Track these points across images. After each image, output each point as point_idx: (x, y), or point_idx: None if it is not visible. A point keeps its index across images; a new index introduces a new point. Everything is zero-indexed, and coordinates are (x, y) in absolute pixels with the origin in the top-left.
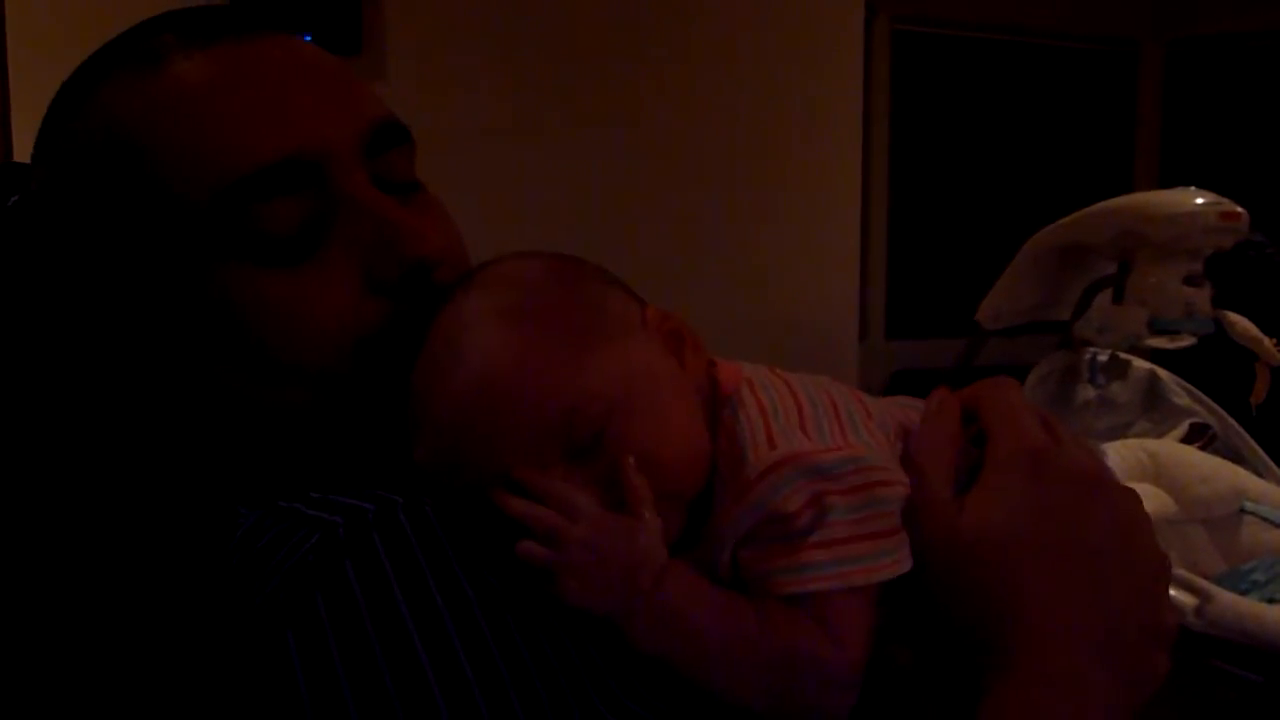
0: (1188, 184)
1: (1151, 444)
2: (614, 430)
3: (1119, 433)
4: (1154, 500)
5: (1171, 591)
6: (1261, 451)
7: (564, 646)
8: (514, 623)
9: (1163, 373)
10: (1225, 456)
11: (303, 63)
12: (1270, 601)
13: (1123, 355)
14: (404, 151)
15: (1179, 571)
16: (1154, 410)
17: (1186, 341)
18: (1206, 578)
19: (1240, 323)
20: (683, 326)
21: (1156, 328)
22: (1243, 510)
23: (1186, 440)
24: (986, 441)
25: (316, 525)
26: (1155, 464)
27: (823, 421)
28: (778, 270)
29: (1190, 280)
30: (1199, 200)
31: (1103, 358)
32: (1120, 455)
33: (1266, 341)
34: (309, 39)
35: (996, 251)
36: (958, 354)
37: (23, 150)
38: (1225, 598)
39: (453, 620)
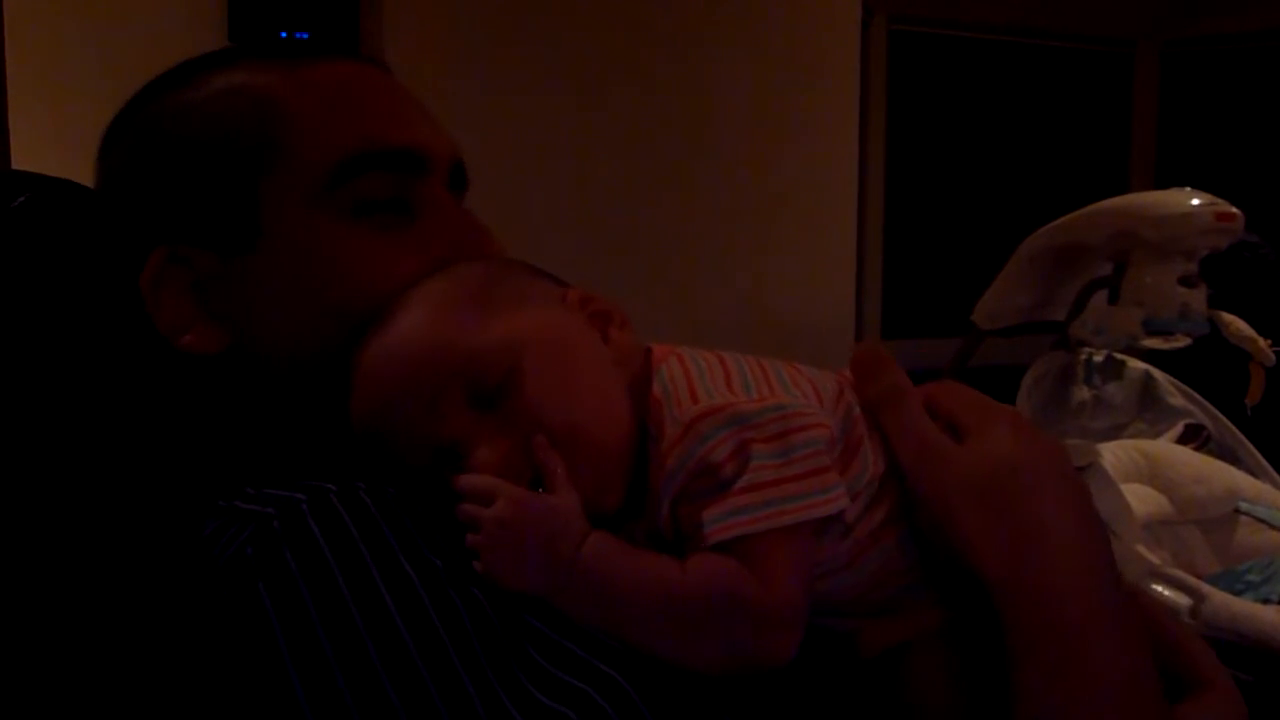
0: (1183, 184)
1: (1146, 444)
2: (517, 383)
3: (1114, 433)
4: (1149, 501)
5: (1166, 591)
6: (1256, 452)
7: (507, 620)
8: (458, 599)
9: (1157, 373)
10: (1220, 457)
11: (407, 89)
12: (1265, 602)
13: (1118, 356)
14: (463, 194)
15: (1174, 571)
16: (1149, 411)
17: (1182, 342)
18: (1201, 578)
19: (1235, 323)
20: (609, 306)
21: (1152, 328)
22: (1237, 511)
23: (1181, 441)
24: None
25: (249, 518)
26: (1150, 465)
27: (748, 380)
28: (774, 271)
29: (1186, 281)
30: (1195, 201)
31: (1098, 358)
32: (1115, 456)
33: (1261, 342)
34: (306, 37)
35: (992, 252)
36: (953, 354)
37: (20, 160)
38: (1219, 598)
39: (395, 603)
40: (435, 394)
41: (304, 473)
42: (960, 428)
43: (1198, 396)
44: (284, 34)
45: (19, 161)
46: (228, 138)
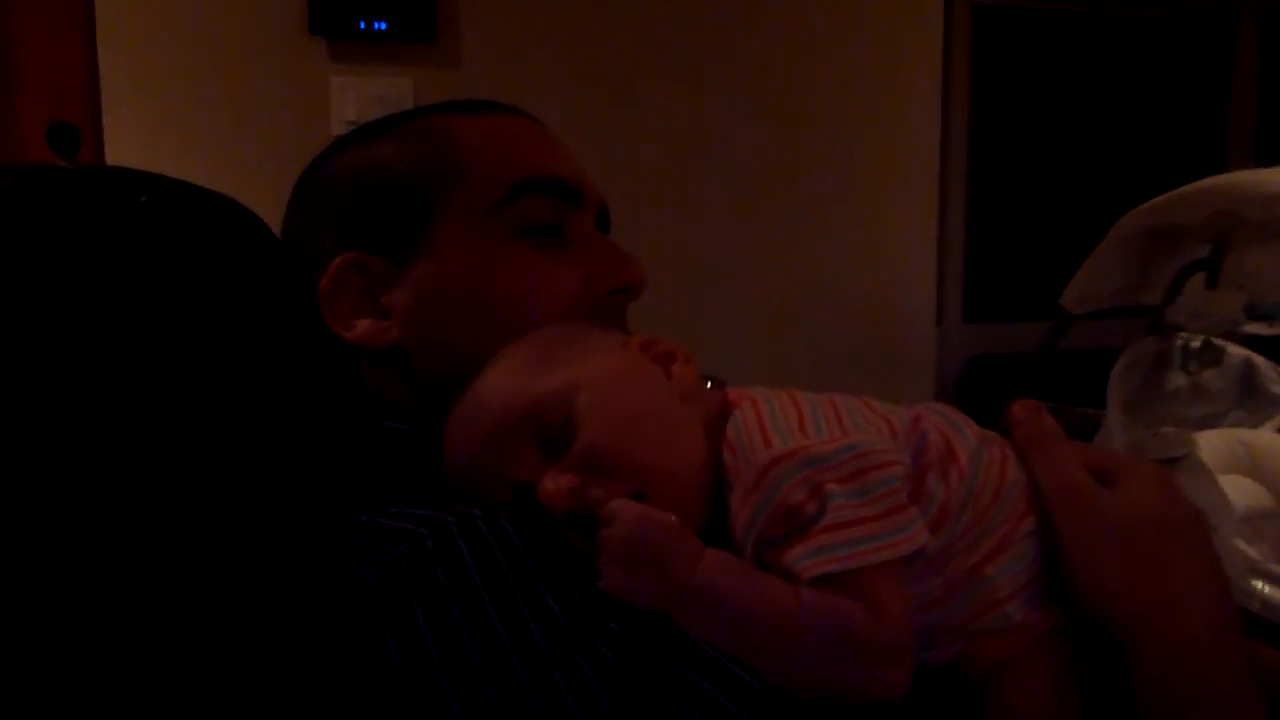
0: None
1: (1247, 434)
2: (577, 422)
3: (1212, 422)
4: (1249, 493)
5: (1265, 588)
6: None
7: (644, 652)
8: (592, 626)
9: (1259, 360)
10: None
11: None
12: None
13: (1216, 341)
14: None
15: (1275, 567)
16: (1250, 399)
17: None
18: None
19: None
20: (672, 347)
21: (1254, 313)
22: None
23: None
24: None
25: (403, 536)
26: (1251, 455)
27: (820, 421)
28: (854, 253)
29: None
30: None
31: (1195, 344)
32: (1213, 445)
33: None
34: (384, 27)
35: (1080, 233)
36: (1040, 339)
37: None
38: None
39: (539, 627)
40: (507, 446)
41: (440, 493)
42: (1109, 476)
43: None
44: (362, 24)
45: (112, 157)
46: (417, 161)
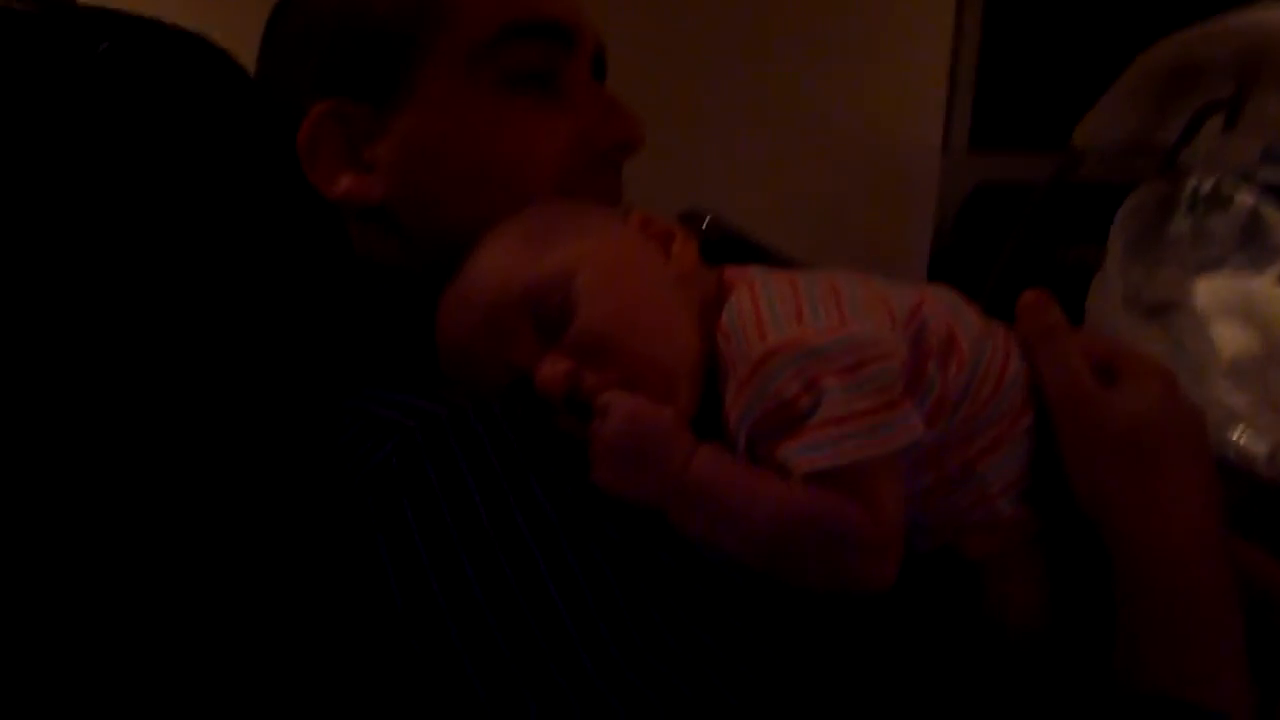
0: None
1: (1247, 282)
2: (573, 305)
3: (1212, 267)
4: (1239, 340)
5: (1243, 440)
6: None
7: (638, 555)
8: (586, 525)
9: (1267, 208)
10: None
11: None
12: None
13: (1227, 186)
14: (602, 82)
15: (1255, 418)
16: (1251, 247)
17: None
18: None
19: None
20: (671, 226)
21: (1271, 158)
22: None
23: None
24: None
25: (392, 428)
26: (1247, 302)
27: (818, 306)
28: (859, 74)
29: None
30: None
31: (1205, 188)
32: (1211, 291)
33: None
34: None
35: (1102, 63)
36: (1051, 171)
37: None
38: None
39: (530, 529)
40: (504, 329)
41: (429, 367)
42: (1114, 371)
43: None
44: None
45: None
46: (396, 3)
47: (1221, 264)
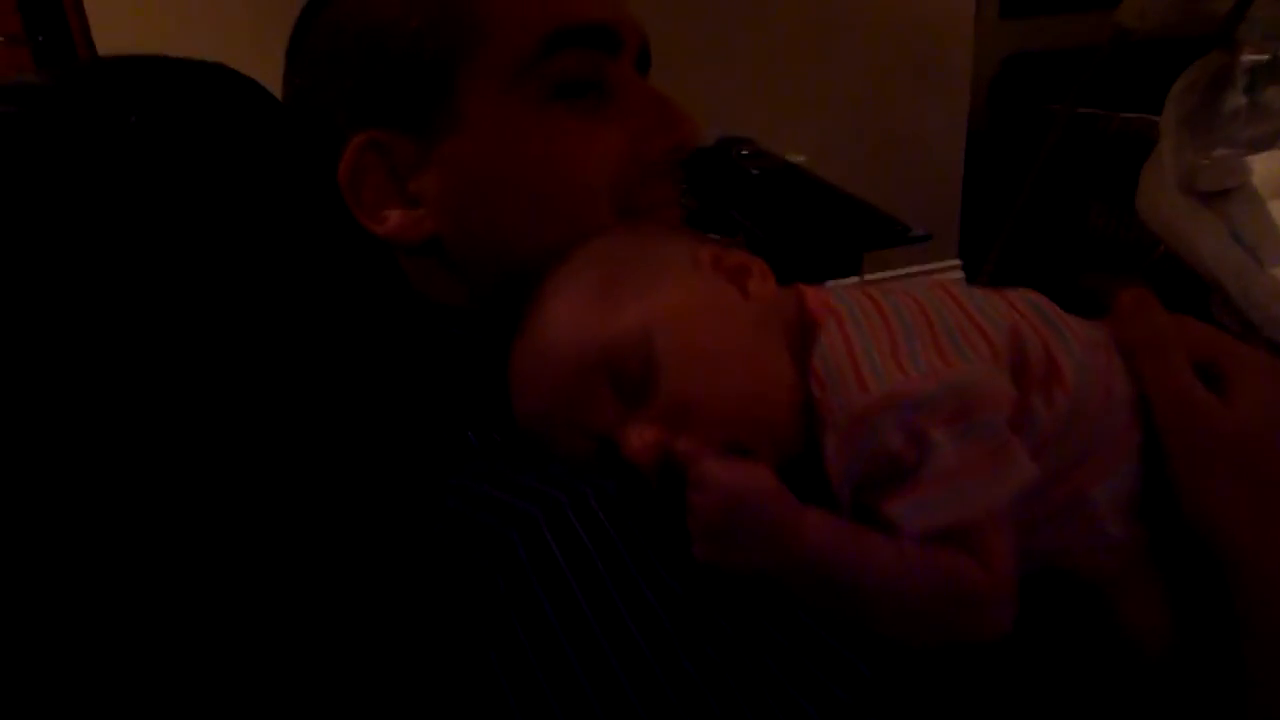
0: None
1: None
2: (657, 370)
3: (1267, 142)
4: None
5: None
6: None
7: (749, 640)
8: (698, 624)
9: None
10: None
11: None
12: None
13: None
14: (646, 74)
15: None
16: None
17: None
18: None
19: None
20: (746, 259)
21: None
22: None
23: None
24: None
25: (513, 517)
26: None
27: (915, 345)
28: None
29: None
30: None
31: (1262, 58)
32: (1267, 167)
33: None
34: None
35: None
36: (1086, 38)
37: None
38: None
39: (639, 629)
40: (582, 395)
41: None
42: (1220, 374)
43: None
44: None
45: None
46: (429, 20)
47: (1277, 138)
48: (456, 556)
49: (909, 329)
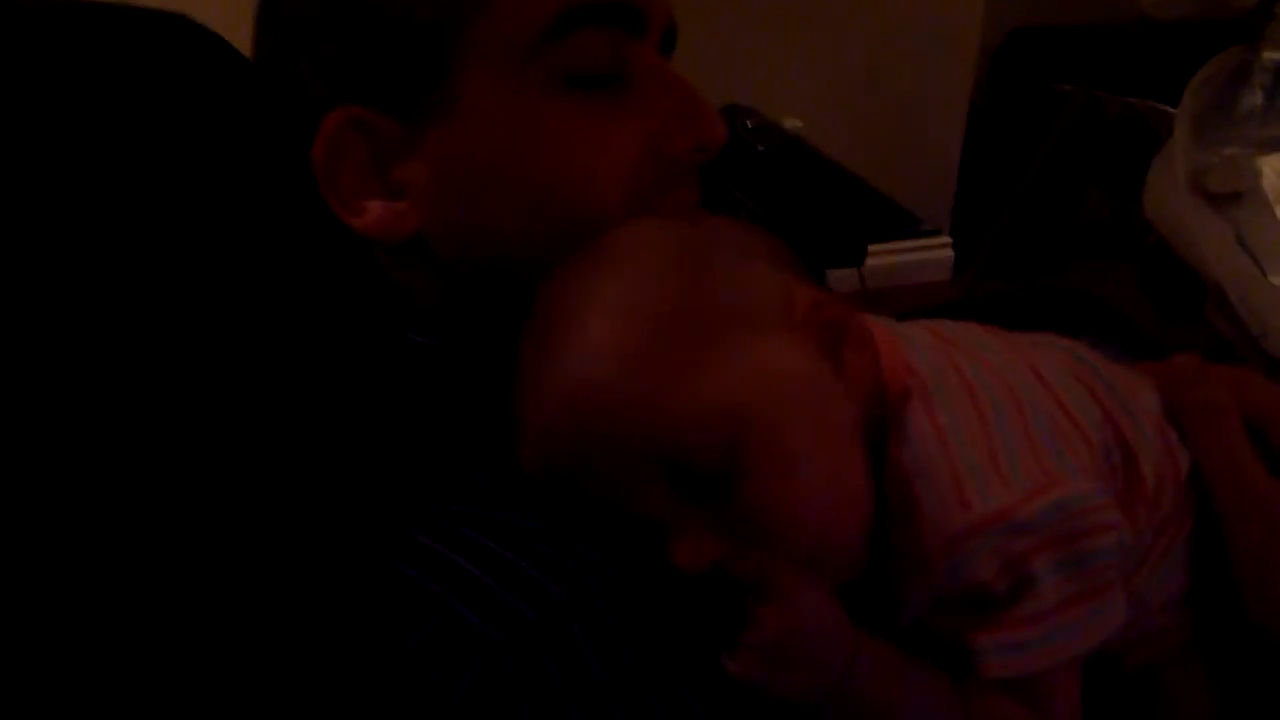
0: None
1: None
2: (738, 475)
3: (1278, 144)
4: None
5: None
6: None
7: None
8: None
9: None
10: None
11: None
12: None
13: None
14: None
15: None
16: None
17: None
18: None
19: None
20: (845, 314)
21: None
22: None
23: None
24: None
25: (473, 643)
26: None
27: (1011, 443)
28: None
29: None
30: None
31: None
32: (1277, 172)
33: None
34: None
35: None
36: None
37: None
38: None
39: None
40: (630, 472)
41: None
42: (1275, 443)
43: None
44: None
45: None
46: (419, 18)
47: None
48: (414, 655)
49: (1003, 421)
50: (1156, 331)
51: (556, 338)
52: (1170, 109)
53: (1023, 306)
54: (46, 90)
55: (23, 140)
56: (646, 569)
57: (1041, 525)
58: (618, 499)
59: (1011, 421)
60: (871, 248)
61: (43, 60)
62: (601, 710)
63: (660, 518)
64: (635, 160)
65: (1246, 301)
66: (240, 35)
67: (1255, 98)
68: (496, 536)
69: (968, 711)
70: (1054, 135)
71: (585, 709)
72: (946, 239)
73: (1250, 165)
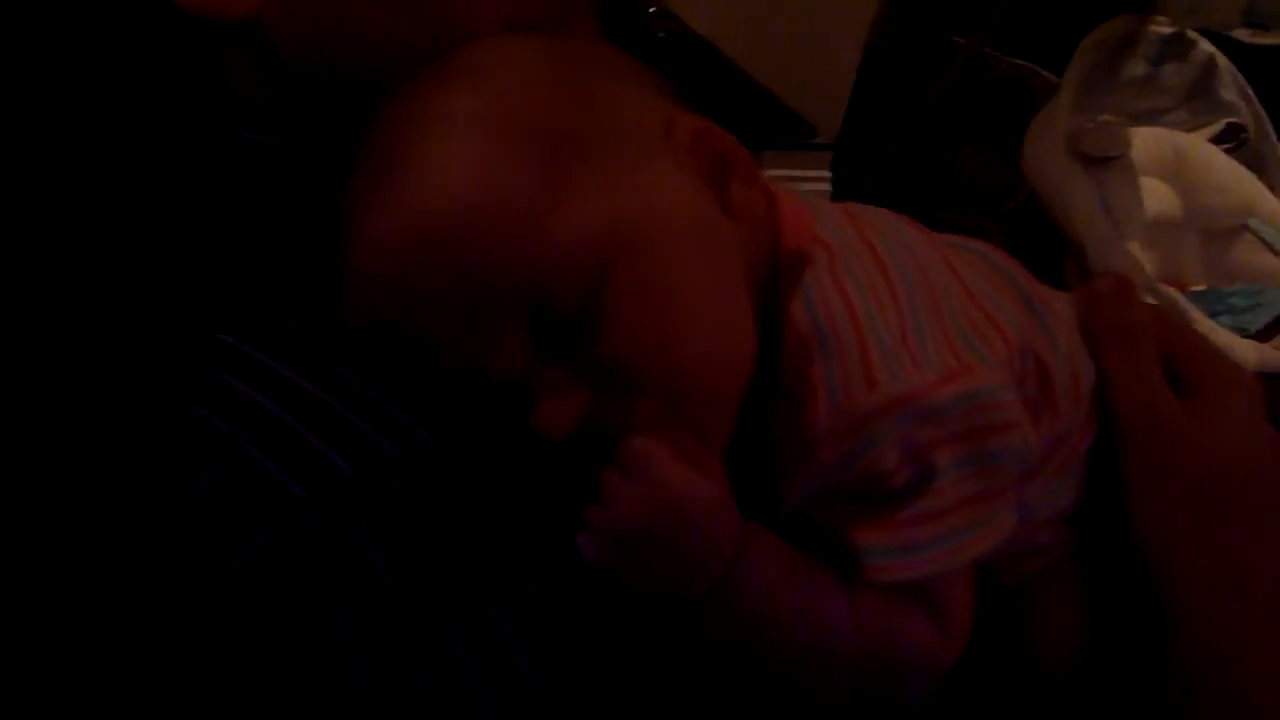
0: None
1: (1181, 139)
2: (606, 311)
3: (1153, 118)
4: (1161, 200)
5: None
6: None
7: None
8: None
9: (1221, 60)
10: (1248, 166)
11: None
12: (1241, 332)
13: (1190, 34)
14: None
15: (1160, 287)
16: (1196, 100)
17: (1277, 39)
18: (1186, 291)
19: None
20: (729, 145)
21: (1251, 18)
22: (1245, 227)
23: (1217, 140)
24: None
25: (269, 495)
26: (1178, 161)
27: (924, 323)
28: None
29: None
30: None
31: (1166, 31)
32: (1145, 145)
33: None
34: None
35: None
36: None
37: None
38: (1204, 325)
39: (526, 653)
40: (485, 317)
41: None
42: (1189, 384)
43: (1253, 95)
44: None
45: None
46: None
47: (1164, 114)
48: (192, 507)
49: (915, 300)
50: None
51: (396, 160)
52: (1052, 75)
53: None
54: None
55: None
56: (487, 438)
57: (950, 415)
58: (461, 358)
59: (925, 302)
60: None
61: None
62: (423, 596)
63: (515, 375)
64: None
65: (1103, 263)
66: None
67: (1138, 68)
68: (321, 382)
69: (858, 612)
70: (941, 85)
71: (403, 590)
72: (825, 173)
73: (1122, 133)
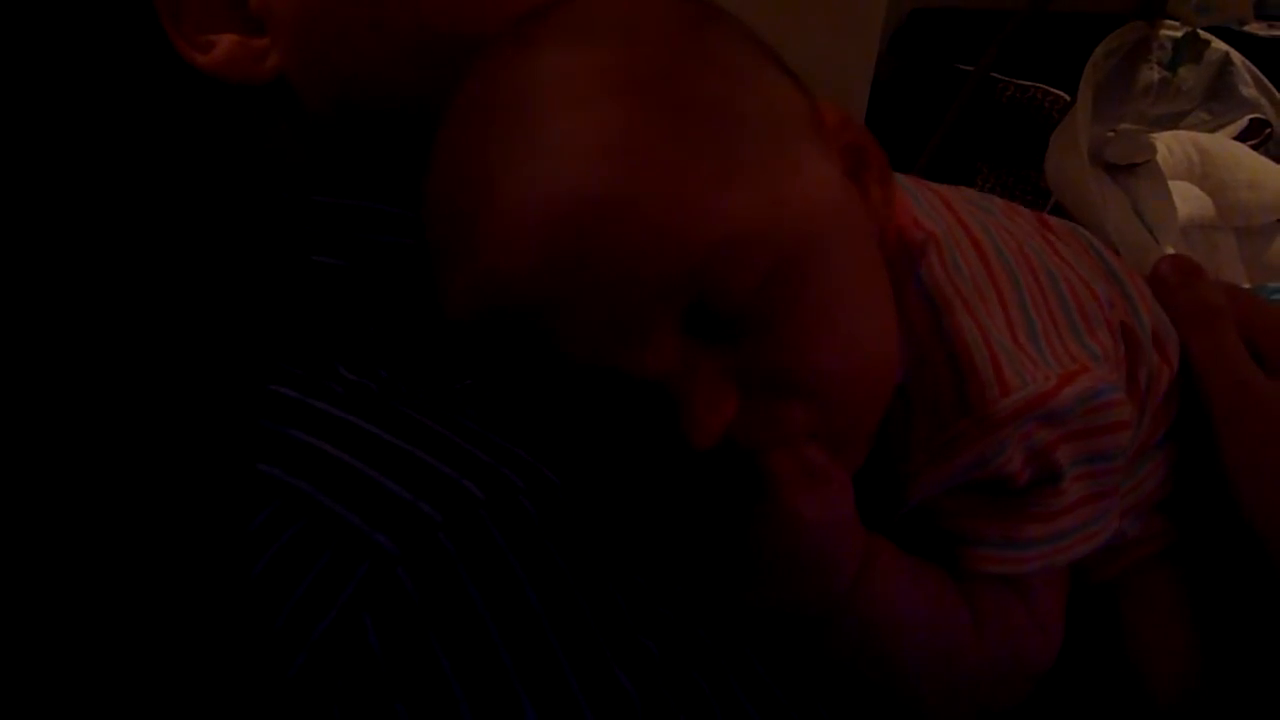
0: None
1: (1204, 139)
2: (780, 306)
3: (1173, 122)
4: (1192, 201)
5: None
6: None
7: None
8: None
9: (1237, 57)
10: (1275, 159)
11: None
12: None
13: (1203, 34)
14: None
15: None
16: (1216, 100)
17: None
18: None
19: None
20: (868, 139)
21: (1263, 12)
22: None
23: (1242, 137)
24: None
25: (351, 544)
26: (1204, 162)
27: (1032, 315)
28: None
29: None
30: None
31: (1178, 35)
32: (1169, 149)
33: None
34: None
35: None
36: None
37: None
38: None
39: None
40: (639, 309)
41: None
42: (1275, 363)
43: (1274, 90)
44: None
45: None
46: None
47: (1184, 117)
48: (274, 581)
49: (1022, 294)
50: None
51: (517, 133)
52: (1061, 92)
53: None
54: None
55: None
56: (601, 460)
57: (1070, 415)
58: (598, 355)
59: (1032, 290)
60: None
61: None
62: (534, 641)
63: (663, 376)
64: None
65: (1141, 268)
66: None
67: (1152, 74)
68: (394, 428)
69: (979, 618)
70: (952, 112)
71: (512, 637)
72: None
73: (1145, 140)
